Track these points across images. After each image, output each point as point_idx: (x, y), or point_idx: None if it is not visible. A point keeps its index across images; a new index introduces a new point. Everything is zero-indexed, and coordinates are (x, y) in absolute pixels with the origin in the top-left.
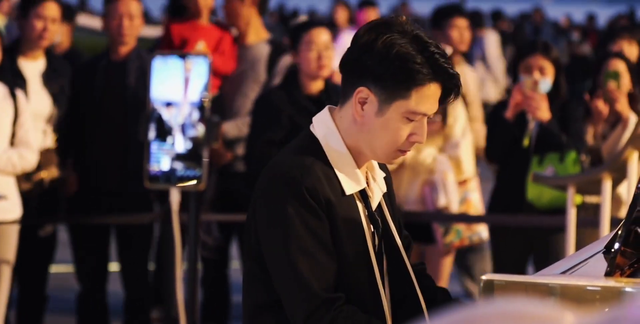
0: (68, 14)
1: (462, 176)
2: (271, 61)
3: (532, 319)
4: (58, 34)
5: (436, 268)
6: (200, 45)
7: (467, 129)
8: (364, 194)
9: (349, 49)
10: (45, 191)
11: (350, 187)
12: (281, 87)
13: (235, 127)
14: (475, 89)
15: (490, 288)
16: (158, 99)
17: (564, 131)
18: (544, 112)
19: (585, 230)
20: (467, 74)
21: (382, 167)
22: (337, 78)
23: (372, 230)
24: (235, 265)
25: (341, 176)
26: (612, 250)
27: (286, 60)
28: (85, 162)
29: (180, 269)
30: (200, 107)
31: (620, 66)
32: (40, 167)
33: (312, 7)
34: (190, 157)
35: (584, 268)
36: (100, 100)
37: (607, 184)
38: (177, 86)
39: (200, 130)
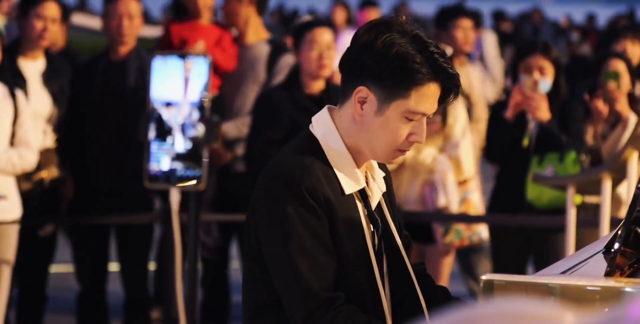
0: (63, 13)
1: (462, 176)
2: (271, 61)
3: (532, 319)
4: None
5: (436, 268)
6: (200, 45)
7: (467, 129)
8: (363, 194)
9: (348, 48)
10: (45, 191)
11: (349, 186)
12: (282, 86)
13: (235, 128)
14: (480, 89)
15: (490, 288)
16: (158, 99)
17: (564, 131)
18: (543, 112)
19: (585, 230)
20: (472, 75)
21: (382, 167)
22: (338, 79)
23: (372, 230)
24: (235, 265)
25: (340, 176)
26: (612, 250)
27: (286, 59)
28: (85, 162)
29: (180, 269)
30: (200, 107)
31: (620, 66)
32: (40, 167)
33: (311, 7)
34: (190, 157)
35: (584, 268)
36: (100, 100)
37: (607, 184)
38: (177, 85)
39: (200, 130)
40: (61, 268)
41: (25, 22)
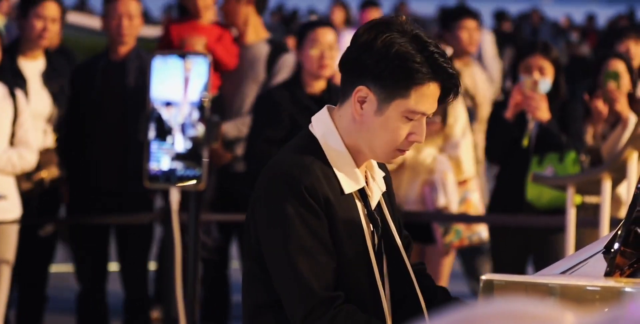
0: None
1: (462, 176)
2: (270, 61)
3: (532, 319)
4: None
5: (436, 267)
6: (200, 43)
7: (467, 129)
8: (363, 194)
9: (348, 48)
10: (45, 191)
11: (349, 186)
12: (284, 85)
13: (235, 128)
14: (486, 90)
15: (490, 288)
16: (158, 99)
17: (564, 131)
18: (543, 113)
19: (585, 230)
20: (477, 75)
21: (382, 166)
22: (339, 79)
23: (372, 229)
24: (235, 265)
25: (340, 175)
26: (612, 250)
27: (286, 59)
28: (85, 162)
29: (180, 269)
30: (200, 106)
31: (620, 66)
32: (40, 167)
33: (311, 6)
34: (190, 157)
35: (584, 268)
36: (99, 100)
37: (607, 184)
38: (177, 85)
39: (200, 130)
40: (61, 268)
41: (25, 22)
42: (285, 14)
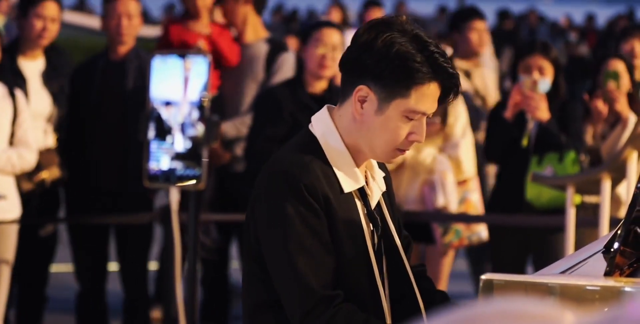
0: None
1: (462, 176)
2: (269, 60)
3: (532, 318)
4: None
5: (436, 268)
6: (200, 44)
7: (467, 129)
8: (362, 193)
9: (348, 47)
10: (45, 191)
11: (348, 185)
12: (286, 84)
13: (234, 128)
14: (494, 90)
15: (489, 288)
16: (157, 99)
17: (563, 131)
18: (543, 112)
19: (585, 230)
20: (487, 76)
21: (382, 166)
22: (339, 80)
23: (371, 229)
24: (235, 265)
25: (340, 174)
26: (612, 250)
27: (285, 58)
28: (85, 162)
29: (180, 269)
30: (200, 106)
31: (619, 66)
32: (41, 167)
33: (311, 6)
34: (189, 157)
35: (584, 267)
36: (99, 100)
37: (607, 184)
38: (177, 85)
39: (199, 129)
40: (61, 267)
41: (25, 21)
42: (285, 13)
